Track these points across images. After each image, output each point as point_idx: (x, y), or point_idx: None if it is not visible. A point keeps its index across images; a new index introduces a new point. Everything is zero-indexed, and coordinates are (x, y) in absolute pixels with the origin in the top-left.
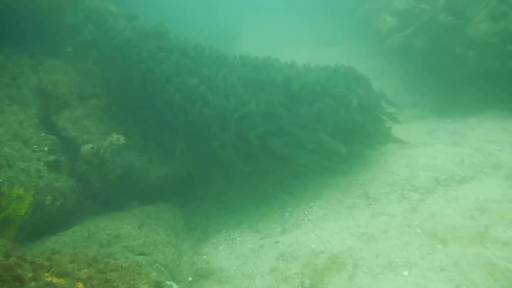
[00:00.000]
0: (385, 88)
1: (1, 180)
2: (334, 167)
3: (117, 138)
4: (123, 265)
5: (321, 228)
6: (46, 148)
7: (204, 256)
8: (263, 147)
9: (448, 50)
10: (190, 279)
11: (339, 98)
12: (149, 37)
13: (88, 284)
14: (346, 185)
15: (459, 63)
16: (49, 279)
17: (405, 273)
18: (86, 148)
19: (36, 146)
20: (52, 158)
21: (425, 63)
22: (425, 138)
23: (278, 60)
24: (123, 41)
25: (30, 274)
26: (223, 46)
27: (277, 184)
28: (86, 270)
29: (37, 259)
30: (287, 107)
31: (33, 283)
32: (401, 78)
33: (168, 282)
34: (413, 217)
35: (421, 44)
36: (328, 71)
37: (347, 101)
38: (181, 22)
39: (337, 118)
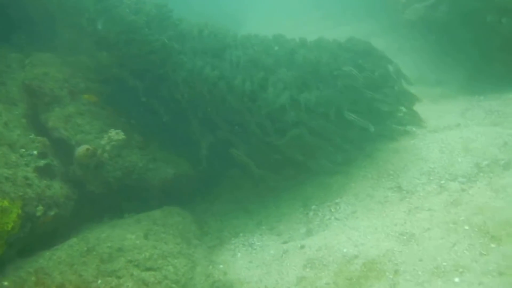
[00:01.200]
0: (404, 66)
1: None
2: (358, 152)
3: (117, 133)
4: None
5: (351, 228)
6: (35, 152)
7: (221, 266)
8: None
9: (476, 19)
10: None
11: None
12: (155, 21)
13: None
14: (375, 176)
15: (489, 32)
16: None
17: (457, 279)
18: (81, 149)
19: (23, 150)
20: (42, 162)
21: (449, 36)
22: (459, 119)
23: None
24: (131, 27)
25: None
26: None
27: (299, 176)
28: None
29: None
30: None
31: None
32: (421, 55)
33: None
34: (457, 212)
35: (443, 14)
36: (333, 47)
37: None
38: (186, 8)
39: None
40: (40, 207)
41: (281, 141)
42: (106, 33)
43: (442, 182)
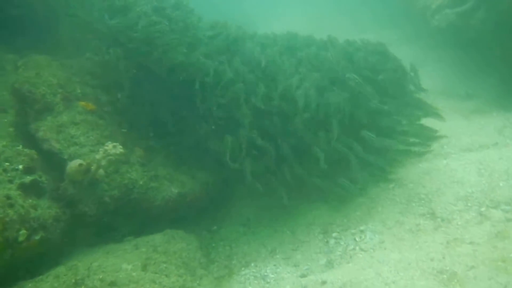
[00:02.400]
0: (430, 77)
1: None
2: (382, 172)
3: (114, 146)
4: None
5: (380, 261)
6: (20, 166)
7: None
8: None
9: None
10: None
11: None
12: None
13: None
14: (404, 200)
15: None
16: None
17: None
18: (73, 164)
19: (8, 163)
20: (28, 179)
21: (483, 46)
22: (496, 137)
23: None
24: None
25: None
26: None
27: (316, 194)
28: None
29: None
30: None
31: None
32: (449, 66)
33: None
34: (505, 246)
35: (479, 21)
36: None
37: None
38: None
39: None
40: (23, 231)
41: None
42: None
43: (483, 209)
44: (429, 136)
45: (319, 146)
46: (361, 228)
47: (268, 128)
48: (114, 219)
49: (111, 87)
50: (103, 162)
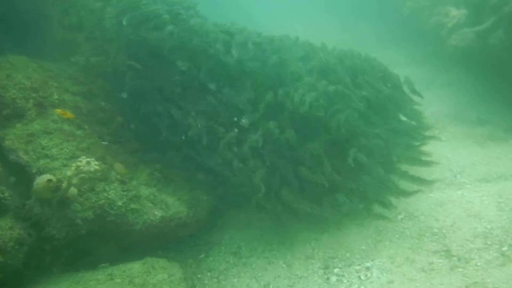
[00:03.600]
0: (440, 101)
1: None
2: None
3: (87, 162)
4: None
5: None
6: None
7: None
8: None
9: None
10: None
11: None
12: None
13: None
14: (415, 235)
15: None
16: None
17: None
18: (41, 180)
19: None
20: None
21: (498, 67)
22: None
23: None
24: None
25: None
26: None
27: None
28: None
29: None
30: None
31: None
32: (460, 89)
33: None
34: None
35: (497, 41)
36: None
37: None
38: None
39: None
40: None
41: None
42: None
43: (504, 249)
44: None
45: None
46: (367, 264)
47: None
48: (88, 242)
49: (94, 95)
50: (75, 180)
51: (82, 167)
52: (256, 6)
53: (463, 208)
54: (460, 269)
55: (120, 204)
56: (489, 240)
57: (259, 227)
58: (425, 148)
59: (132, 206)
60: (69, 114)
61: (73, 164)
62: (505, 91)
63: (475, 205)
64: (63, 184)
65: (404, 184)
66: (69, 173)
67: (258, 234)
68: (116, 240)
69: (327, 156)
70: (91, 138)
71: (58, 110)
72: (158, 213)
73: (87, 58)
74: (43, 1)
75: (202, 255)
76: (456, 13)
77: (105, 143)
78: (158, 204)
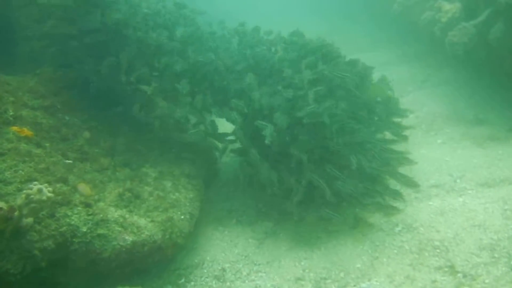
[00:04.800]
0: (434, 100)
1: None
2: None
3: (39, 190)
4: None
5: None
6: None
7: None
8: None
9: None
10: None
11: None
12: None
13: None
14: (415, 249)
15: None
16: None
17: None
18: None
19: None
20: None
21: (500, 62)
22: None
23: None
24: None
25: None
26: None
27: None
28: None
29: None
30: None
31: None
32: (455, 87)
33: None
34: None
35: (498, 35)
36: None
37: None
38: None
39: None
40: None
41: None
42: None
43: None
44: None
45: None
46: (363, 285)
47: None
48: (51, 275)
49: (58, 109)
50: (25, 211)
51: (32, 196)
52: (239, 9)
53: (465, 217)
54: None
55: (85, 230)
56: (497, 253)
57: (244, 246)
58: (421, 151)
59: (99, 231)
60: (27, 132)
61: (23, 192)
62: (505, 89)
63: (479, 213)
64: (16, 213)
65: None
66: (18, 202)
67: (243, 254)
68: (83, 271)
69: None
70: (52, 157)
71: (14, 128)
72: (129, 237)
73: (55, 69)
74: (9, 8)
75: (182, 280)
76: (449, 7)
77: (69, 161)
78: (129, 227)
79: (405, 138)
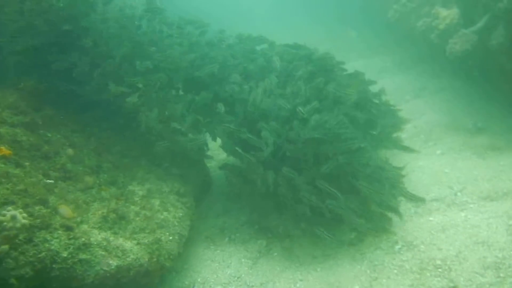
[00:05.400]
0: (432, 109)
1: None
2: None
3: (12, 218)
4: None
5: None
6: None
7: None
8: None
9: None
10: None
11: None
12: None
13: None
14: (415, 268)
15: None
16: None
17: None
18: None
19: None
20: None
21: (499, 70)
22: None
23: None
24: None
25: None
26: None
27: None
28: None
29: None
30: None
31: None
32: (453, 95)
33: None
34: None
35: (499, 42)
36: None
37: None
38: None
39: None
40: None
41: None
42: None
43: None
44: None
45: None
46: None
47: None
48: None
49: (39, 125)
50: None
51: (5, 223)
52: (234, 14)
53: (468, 234)
54: None
55: (66, 255)
56: (502, 272)
57: (237, 266)
58: (420, 162)
59: (81, 256)
60: (5, 151)
61: None
62: (504, 96)
63: (482, 229)
64: None
65: (400, 206)
66: None
67: (235, 275)
68: None
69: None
70: (32, 177)
71: None
72: (113, 262)
73: (38, 81)
74: None
75: None
76: (446, 14)
77: (50, 181)
78: (113, 251)
79: (405, 149)
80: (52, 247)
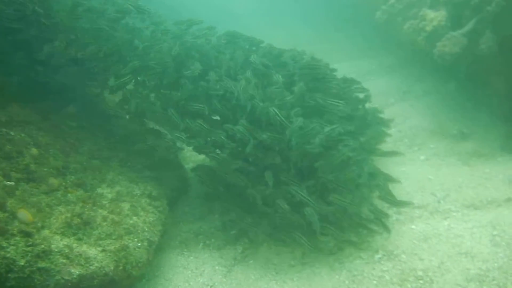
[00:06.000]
0: (418, 113)
1: None
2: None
3: None
4: None
5: None
6: None
7: None
8: None
9: None
10: None
11: None
12: None
13: None
14: (396, 279)
15: None
16: None
17: None
18: None
19: None
20: None
21: (486, 74)
22: (508, 191)
23: None
24: None
25: None
26: None
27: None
28: None
29: None
30: None
31: None
32: (439, 99)
33: None
34: None
35: (488, 45)
36: None
37: None
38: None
39: None
40: None
41: None
42: None
43: None
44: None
45: None
46: None
47: None
48: None
49: (2, 123)
50: None
51: None
52: (222, 14)
53: (451, 244)
54: None
55: (23, 263)
56: (486, 285)
57: (211, 274)
58: (403, 168)
59: (40, 264)
60: None
61: None
62: (491, 102)
63: (466, 239)
64: None
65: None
66: None
67: (208, 284)
68: None
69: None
70: None
71: None
72: (76, 270)
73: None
74: None
75: None
76: (434, 15)
77: (10, 183)
78: (76, 259)
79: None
80: (8, 255)
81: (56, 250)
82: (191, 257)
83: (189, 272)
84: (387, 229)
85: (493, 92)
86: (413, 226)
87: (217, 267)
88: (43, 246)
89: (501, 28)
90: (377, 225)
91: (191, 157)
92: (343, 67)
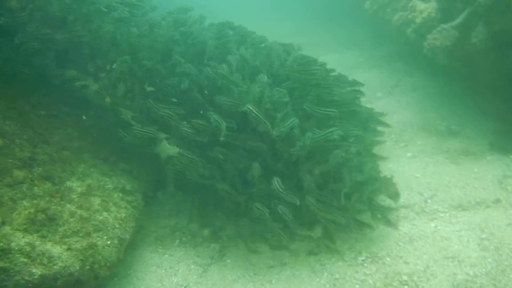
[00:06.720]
0: (406, 108)
1: None
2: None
3: None
4: None
5: None
6: None
7: None
8: None
9: None
10: None
11: None
12: None
13: None
14: (380, 284)
15: None
16: None
17: None
18: None
19: None
20: None
21: (476, 70)
22: (497, 190)
23: None
24: None
25: None
26: None
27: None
28: None
29: None
30: None
31: None
32: (429, 94)
33: None
34: None
35: (480, 38)
36: None
37: None
38: None
39: None
40: None
41: None
42: None
43: None
44: None
45: None
46: None
47: None
48: None
49: None
50: None
51: None
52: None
53: (438, 247)
54: None
55: None
56: None
57: (185, 274)
58: (389, 165)
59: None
60: None
61: None
62: (481, 98)
63: (453, 242)
64: None
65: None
66: None
67: (182, 284)
68: None
69: None
70: None
71: None
72: (37, 270)
73: None
74: None
75: None
76: (424, 7)
77: None
78: (38, 258)
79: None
80: None
81: (16, 248)
82: (166, 255)
83: (163, 271)
84: (371, 227)
85: (484, 88)
86: (399, 227)
87: (192, 266)
88: (1, 244)
89: (493, 21)
90: (361, 226)
91: (172, 148)
92: (329, 59)
